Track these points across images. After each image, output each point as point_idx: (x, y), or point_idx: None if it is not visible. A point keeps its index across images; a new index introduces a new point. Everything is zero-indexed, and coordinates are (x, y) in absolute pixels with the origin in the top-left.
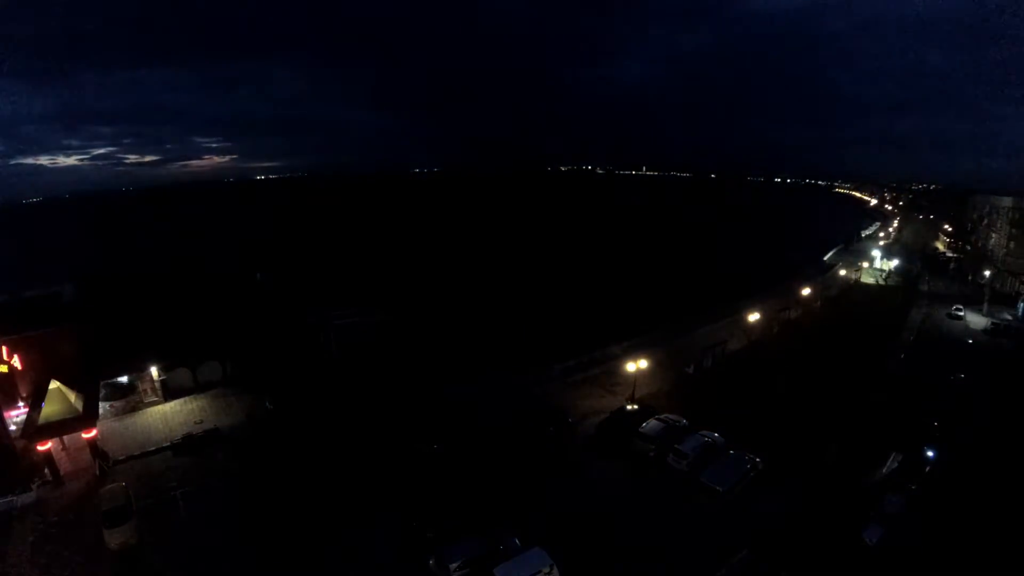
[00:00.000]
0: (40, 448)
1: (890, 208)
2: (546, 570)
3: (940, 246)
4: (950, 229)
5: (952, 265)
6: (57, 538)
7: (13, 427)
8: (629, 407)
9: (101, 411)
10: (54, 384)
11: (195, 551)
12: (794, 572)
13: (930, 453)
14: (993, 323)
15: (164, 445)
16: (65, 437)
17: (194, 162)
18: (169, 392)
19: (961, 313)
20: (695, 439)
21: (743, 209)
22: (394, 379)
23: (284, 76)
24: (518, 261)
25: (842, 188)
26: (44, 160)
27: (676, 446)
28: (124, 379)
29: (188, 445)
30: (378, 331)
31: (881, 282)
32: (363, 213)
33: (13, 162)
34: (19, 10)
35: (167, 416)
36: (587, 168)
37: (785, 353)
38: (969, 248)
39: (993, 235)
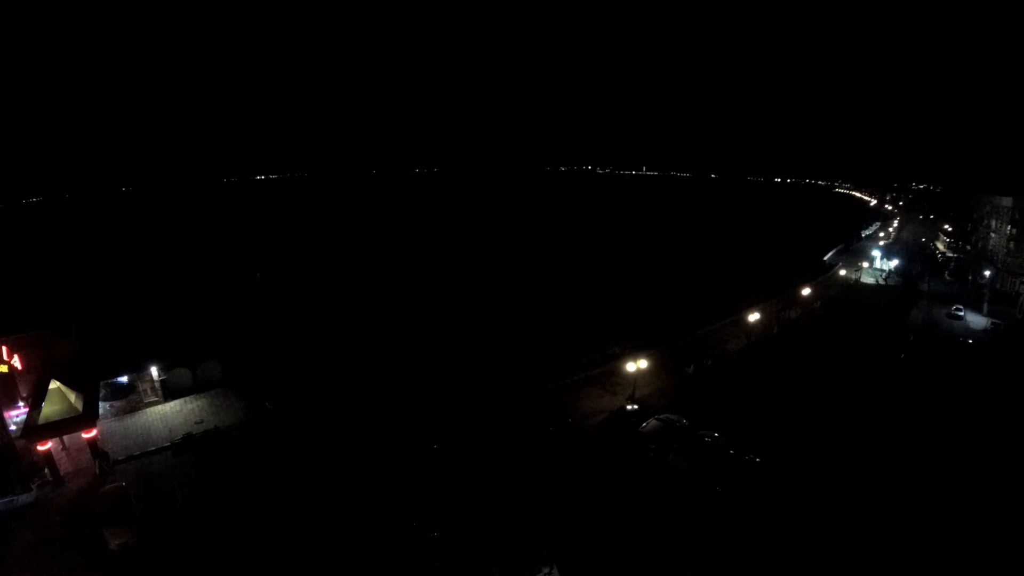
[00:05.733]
0: (40, 448)
1: (890, 208)
2: (546, 570)
3: (940, 246)
4: (950, 229)
5: (952, 265)
6: (57, 538)
7: (13, 427)
8: (629, 407)
9: (101, 411)
10: (54, 384)
11: (195, 551)
12: None
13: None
14: (993, 323)
15: (164, 445)
16: (65, 437)
17: None
18: (169, 392)
19: (961, 313)
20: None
21: (743, 209)
22: (395, 379)
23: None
24: (517, 261)
25: (842, 188)
26: None
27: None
28: (124, 379)
29: (188, 445)
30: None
31: (881, 282)
32: (363, 213)
33: None
34: None
35: (167, 416)
36: (587, 168)
37: (785, 353)
38: (969, 248)
39: (993, 235)
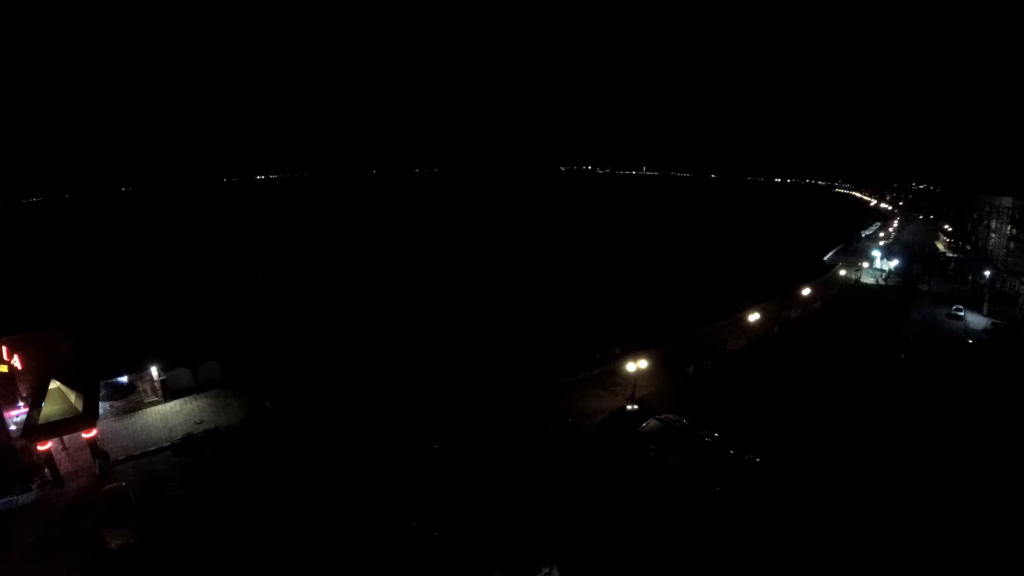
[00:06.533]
0: (40, 448)
1: (890, 208)
2: (546, 570)
3: (940, 246)
4: (950, 229)
5: (952, 265)
6: (57, 538)
7: (13, 427)
8: (629, 407)
9: (101, 411)
10: (54, 384)
11: (195, 551)
12: None
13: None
14: (993, 323)
15: (164, 445)
16: (65, 437)
17: None
18: (169, 392)
19: (961, 313)
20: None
21: (743, 209)
22: (395, 379)
23: None
24: (517, 261)
25: (842, 188)
26: None
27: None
28: (124, 379)
29: (188, 445)
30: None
31: (881, 282)
32: (364, 213)
33: None
34: None
35: (167, 416)
36: (587, 168)
37: (785, 353)
38: (969, 248)
39: (993, 235)
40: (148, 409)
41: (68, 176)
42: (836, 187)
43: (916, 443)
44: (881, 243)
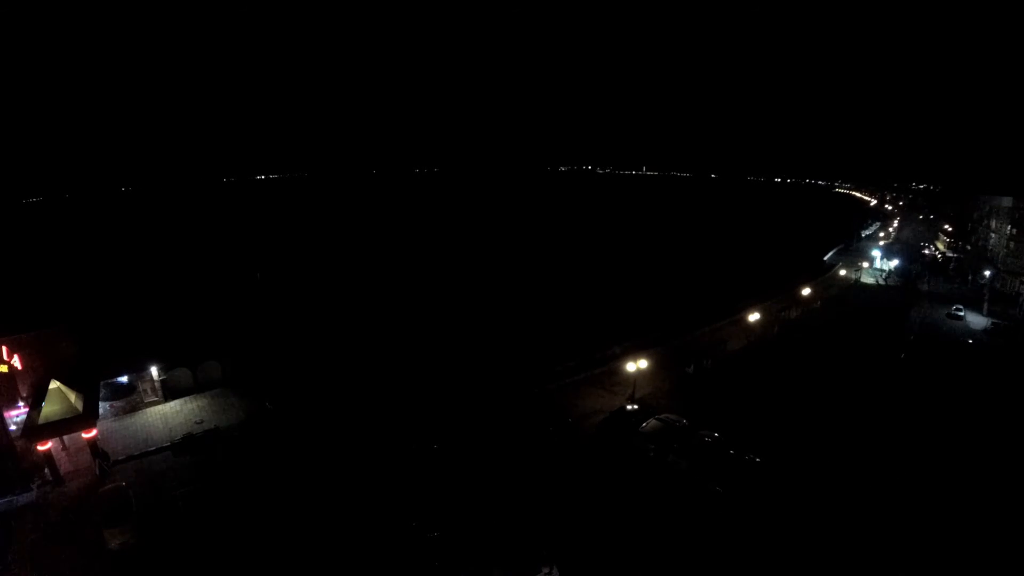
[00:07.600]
0: (40, 448)
1: (890, 208)
2: (546, 570)
3: (940, 246)
4: (950, 229)
5: (952, 265)
6: (57, 538)
7: (13, 427)
8: (629, 407)
9: (101, 411)
10: (54, 384)
11: (195, 551)
12: None
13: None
14: (993, 323)
15: (164, 445)
16: (65, 437)
17: None
18: (169, 392)
19: (961, 313)
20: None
21: (743, 209)
22: (394, 380)
23: None
24: (517, 261)
25: (842, 188)
26: None
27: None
28: (124, 379)
29: (188, 445)
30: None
31: (881, 282)
32: (364, 213)
33: None
34: None
35: (167, 416)
36: (587, 168)
37: (785, 353)
38: (969, 248)
39: (993, 235)
40: (148, 409)
41: (68, 176)
42: (836, 187)
43: (916, 443)
44: (881, 243)
